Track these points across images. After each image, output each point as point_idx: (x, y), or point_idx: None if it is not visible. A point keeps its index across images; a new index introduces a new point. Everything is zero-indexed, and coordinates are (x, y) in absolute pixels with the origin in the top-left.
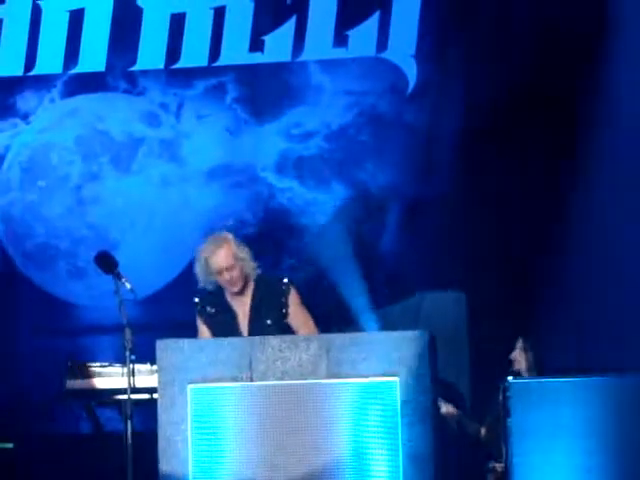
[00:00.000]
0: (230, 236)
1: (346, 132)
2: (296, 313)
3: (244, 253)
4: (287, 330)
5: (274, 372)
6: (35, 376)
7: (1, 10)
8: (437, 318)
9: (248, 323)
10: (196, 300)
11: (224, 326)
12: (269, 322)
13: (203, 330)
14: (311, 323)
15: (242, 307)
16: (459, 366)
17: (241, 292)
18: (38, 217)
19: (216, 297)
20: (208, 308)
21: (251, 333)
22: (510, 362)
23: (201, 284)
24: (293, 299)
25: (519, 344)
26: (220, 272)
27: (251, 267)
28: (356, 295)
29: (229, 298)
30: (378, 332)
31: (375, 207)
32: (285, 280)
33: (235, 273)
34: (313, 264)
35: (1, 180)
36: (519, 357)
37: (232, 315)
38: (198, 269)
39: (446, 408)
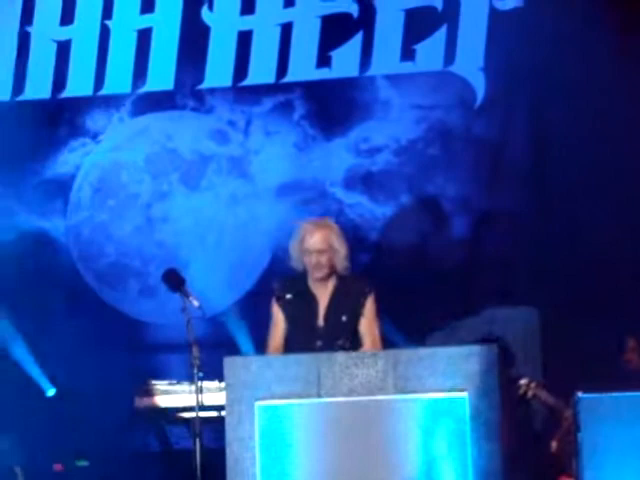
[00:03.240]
0: (334, 224)
1: (415, 146)
2: (368, 319)
3: (341, 246)
4: (357, 332)
5: (341, 388)
6: (106, 394)
7: (70, 31)
8: (509, 334)
9: (325, 313)
10: (275, 286)
11: (302, 311)
12: (344, 319)
13: (278, 317)
14: (377, 334)
15: (323, 295)
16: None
17: (324, 280)
18: (109, 236)
19: (298, 283)
20: (287, 295)
21: (326, 324)
22: (626, 362)
23: (292, 262)
24: (370, 304)
25: (630, 344)
26: (311, 252)
27: (342, 261)
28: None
29: (312, 285)
30: (445, 347)
31: (444, 220)
32: (368, 284)
33: (324, 258)
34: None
35: (72, 200)
36: (632, 357)
37: (313, 300)
38: (293, 245)
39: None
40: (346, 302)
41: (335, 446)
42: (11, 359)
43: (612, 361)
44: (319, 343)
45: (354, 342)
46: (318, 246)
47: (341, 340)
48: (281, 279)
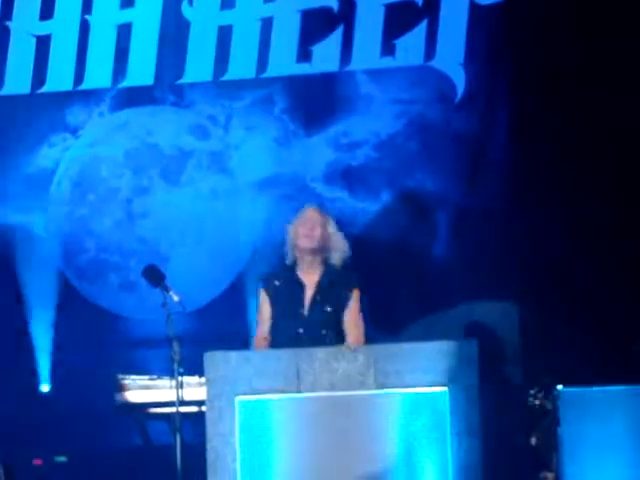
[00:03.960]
0: (328, 214)
1: (395, 141)
2: (352, 313)
3: (334, 231)
4: (340, 323)
5: (322, 383)
6: (86, 389)
7: (50, 25)
8: (488, 328)
9: (310, 302)
10: (263, 275)
11: (289, 297)
12: (329, 309)
13: (265, 304)
14: (361, 329)
15: (310, 284)
16: (510, 375)
17: (312, 267)
18: (89, 231)
19: (286, 271)
20: (275, 282)
21: (310, 313)
22: None
23: (287, 248)
24: (355, 296)
25: None
26: (305, 222)
27: (338, 255)
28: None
29: (300, 273)
30: (426, 342)
31: (423, 215)
32: (355, 278)
33: (317, 230)
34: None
35: (52, 195)
36: None
37: (300, 288)
38: (289, 229)
39: None
40: (332, 293)
41: (315, 441)
42: None
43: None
44: (301, 331)
45: (338, 334)
46: (312, 218)
47: (325, 330)
48: (270, 269)
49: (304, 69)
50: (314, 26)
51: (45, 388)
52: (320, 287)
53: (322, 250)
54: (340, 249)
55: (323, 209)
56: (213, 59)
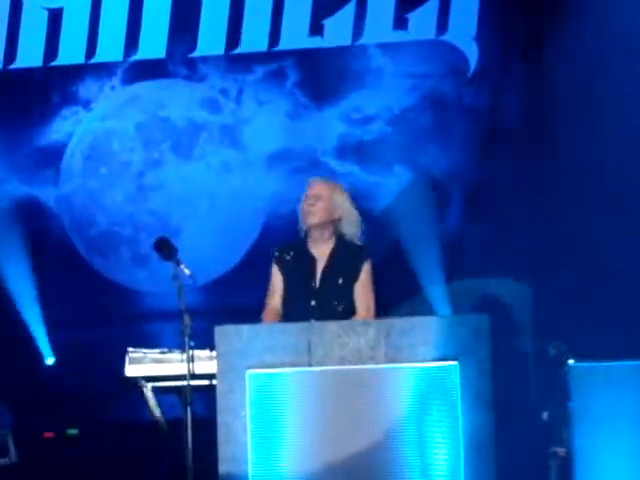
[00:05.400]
0: (342, 184)
1: (407, 115)
2: (363, 285)
3: (344, 201)
4: (352, 296)
5: (332, 357)
6: (97, 363)
7: None
8: (500, 303)
9: (322, 274)
10: (274, 248)
11: (300, 270)
12: (340, 281)
13: (276, 277)
14: (372, 302)
15: (322, 257)
16: (522, 350)
17: (323, 240)
18: (100, 204)
19: (298, 245)
20: (287, 255)
21: (322, 285)
22: None
23: (299, 223)
24: (366, 271)
25: None
26: (307, 197)
27: (350, 226)
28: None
29: (311, 247)
30: (437, 316)
31: (437, 190)
32: (365, 251)
33: (319, 205)
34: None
35: (64, 168)
36: None
37: (311, 261)
38: (300, 204)
39: None
40: (343, 265)
41: (326, 415)
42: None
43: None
44: (313, 303)
45: (350, 307)
46: (314, 191)
47: (336, 303)
48: (282, 243)
49: (316, 43)
50: (326, 0)
51: (55, 362)
52: (331, 259)
53: (329, 223)
54: (351, 219)
55: (329, 179)
56: (225, 32)
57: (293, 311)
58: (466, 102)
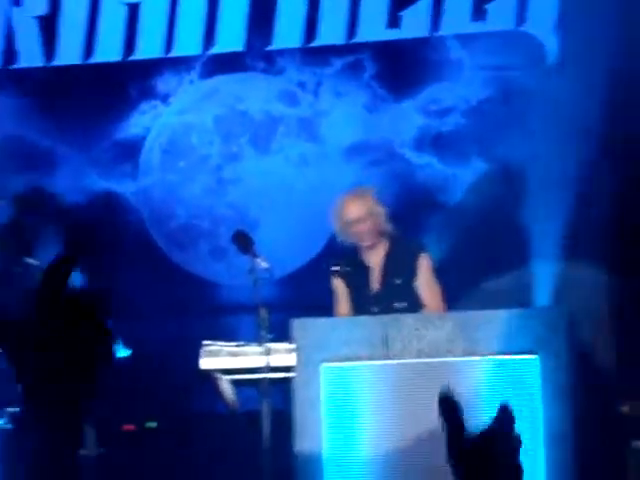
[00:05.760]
0: (370, 189)
1: (485, 107)
2: (424, 278)
3: (380, 209)
4: (414, 293)
5: (410, 350)
6: (174, 356)
7: None
8: (578, 296)
9: (379, 278)
10: (329, 261)
11: (357, 280)
12: (399, 281)
13: (339, 287)
14: (436, 293)
15: (375, 261)
16: (604, 341)
17: (374, 247)
18: (179, 198)
19: (349, 254)
20: (342, 266)
21: (381, 289)
22: None
23: (338, 237)
24: (425, 264)
25: None
26: (351, 223)
27: (386, 224)
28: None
29: (363, 255)
30: (515, 309)
31: (515, 182)
32: (420, 245)
33: (365, 227)
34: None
35: (142, 162)
36: None
37: (365, 268)
38: (334, 221)
39: None
40: (399, 264)
41: (402, 408)
42: None
43: None
44: (375, 309)
45: (412, 305)
46: (355, 215)
47: (398, 304)
48: (334, 254)
49: (394, 34)
50: None
51: (133, 354)
52: (386, 262)
53: (378, 232)
54: (385, 215)
55: (360, 191)
56: (303, 25)
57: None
58: (545, 94)
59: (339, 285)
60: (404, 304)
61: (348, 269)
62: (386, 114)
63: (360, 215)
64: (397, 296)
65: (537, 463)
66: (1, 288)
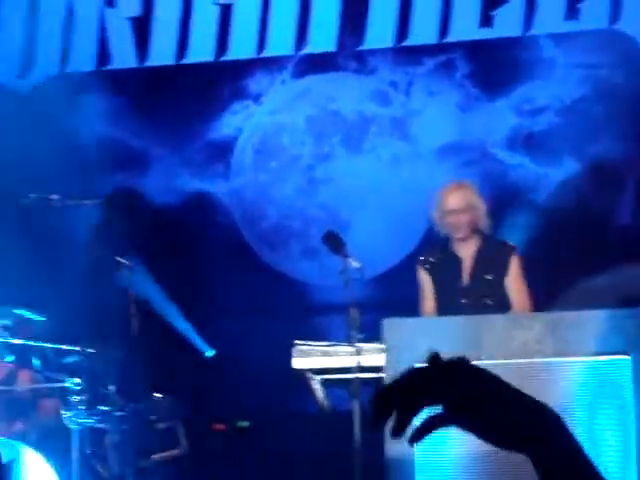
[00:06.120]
0: (471, 183)
1: (579, 106)
2: (514, 278)
3: (480, 203)
4: (503, 290)
5: (500, 351)
6: (265, 355)
7: None
8: None
9: (470, 271)
10: (421, 259)
11: (447, 271)
12: (489, 277)
13: (425, 280)
14: (525, 293)
15: (467, 255)
16: None
17: (467, 240)
18: (270, 198)
19: (440, 247)
20: (431, 258)
21: (471, 282)
22: None
23: (435, 226)
24: (515, 263)
25: None
26: (450, 213)
27: (483, 218)
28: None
29: (454, 247)
30: (607, 309)
31: (609, 182)
32: (511, 244)
33: (464, 218)
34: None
35: (234, 162)
36: None
37: (456, 260)
38: (433, 210)
39: None
40: (490, 261)
41: None
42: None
43: None
44: (464, 301)
45: (500, 301)
46: (456, 205)
47: (488, 300)
48: (423, 246)
49: (486, 34)
50: None
51: (224, 354)
52: (478, 256)
53: (474, 226)
54: (484, 214)
55: (461, 183)
56: (394, 25)
57: (444, 311)
58: (638, 92)
59: (426, 279)
60: (493, 300)
61: (437, 261)
62: (479, 113)
63: (460, 206)
64: (487, 291)
65: (628, 464)
66: (95, 288)
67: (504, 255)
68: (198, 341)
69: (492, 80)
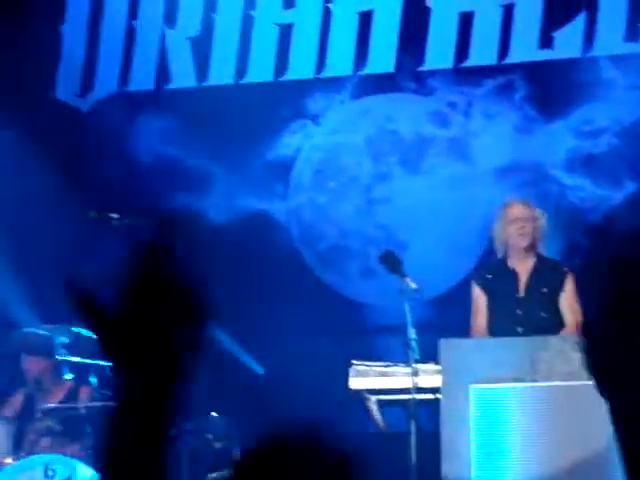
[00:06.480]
0: (534, 205)
1: (638, 129)
2: (568, 296)
3: (542, 220)
4: (557, 305)
5: (557, 372)
6: (322, 375)
7: (292, 14)
8: None
9: (526, 285)
10: (475, 275)
11: (502, 285)
12: (545, 290)
13: (479, 296)
14: (579, 313)
15: (523, 270)
16: None
17: (524, 256)
18: (329, 218)
19: (497, 263)
20: (487, 274)
21: (527, 295)
22: None
23: (494, 241)
24: (570, 283)
25: None
26: (515, 221)
27: (542, 236)
28: None
29: (511, 263)
30: None
31: None
32: (566, 265)
33: (528, 227)
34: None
35: (292, 182)
36: None
37: (513, 275)
38: (495, 224)
39: None
40: (546, 277)
41: (550, 431)
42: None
43: None
44: (519, 312)
45: (554, 316)
46: (521, 214)
47: (544, 313)
48: (478, 264)
49: (546, 55)
50: (557, 11)
51: (281, 373)
52: (534, 271)
53: (534, 240)
54: (544, 235)
55: (529, 201)
56: (454, 46)
57: (499, 322)
58: None
59: (479, 294)
60: (547, 313)
61: (493, 276)
62: (537, 135)
63: (524, 215)
64: (542, 304)
65: None
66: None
67: (560, 273)
68: (252, 360)
69: (551, 101)
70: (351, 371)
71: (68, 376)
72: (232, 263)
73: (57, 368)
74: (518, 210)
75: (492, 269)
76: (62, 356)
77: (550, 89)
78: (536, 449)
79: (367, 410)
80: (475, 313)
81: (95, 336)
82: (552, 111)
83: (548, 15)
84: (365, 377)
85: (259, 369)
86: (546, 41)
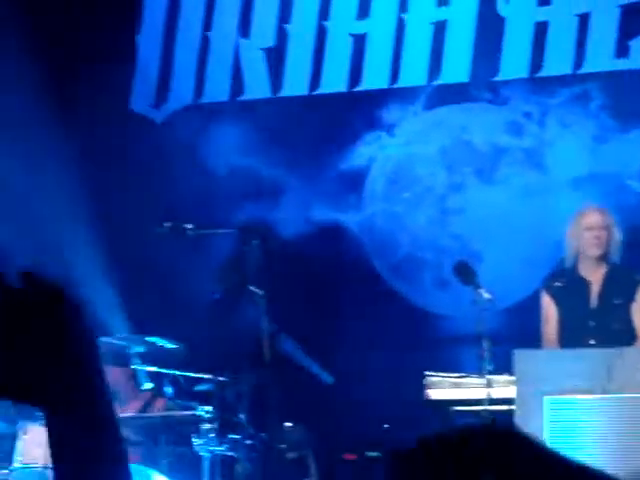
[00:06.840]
0: (609, 213)
1: None
2: None
3: (617, 231)
4: (630, 316)
5: (633, 384)
6: (397, 385)
7: (366, 24)
8: None
9: (598, 294)
10: (545, 283)
11: (574, 294)
12: (618, 301)
13: (549, 306)
14: None
15: (595, 279)
16: None
17: (597, 264)
18: (403, 228)
19: (567, 272)
20: (557, 283)
21: (599, 305)
22: None
23: (567, 249)
24: None
25: None
26: (589, 229)
27: (616, 245)
28: None
29: (583, 271)
30: None
31: None
32: (636, 271)
33: (603, 235)
34: None
35: (366, 192)
36: None
37: (584, 284)
38: (569, 231)
39: None
40: (619, 287)
41: (625, 442)
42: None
43: None
44: (592, 323)
45: (627, 327)
46: (597, 223)
47: (617, 324)
48: (550, 274)
49: (622, 64)
50: (633, 20)
51: (356, 384)
52: (606, 281)
53: (607, 249)
54: (619, 245)
55: (607, 209)
56: (529, 55)
57: (571, 334)
58: None
59: (549, 303)
60: (621, 325)
61: (564, 285)
62: (614, 145)
63: (599, 223)
64: (615, 317)
65: None
66: (227, 317)
67: (632, 282)
68: (322, 371)
69: (627, 111)
70: (425, 382)
71: (148, 385)
72: (305, 274)
73: (133, 378)
74: (594, 218)
75: (562, 277)
76: (138, 366)
77: (626, 98)
78: (611, 459)
79: (442, 421)
80: (545, 322)
81: None
82: (629, 120)
83: (624, 24)
84: (439, 388)
85: (329, 379)
86: (622, 50)
